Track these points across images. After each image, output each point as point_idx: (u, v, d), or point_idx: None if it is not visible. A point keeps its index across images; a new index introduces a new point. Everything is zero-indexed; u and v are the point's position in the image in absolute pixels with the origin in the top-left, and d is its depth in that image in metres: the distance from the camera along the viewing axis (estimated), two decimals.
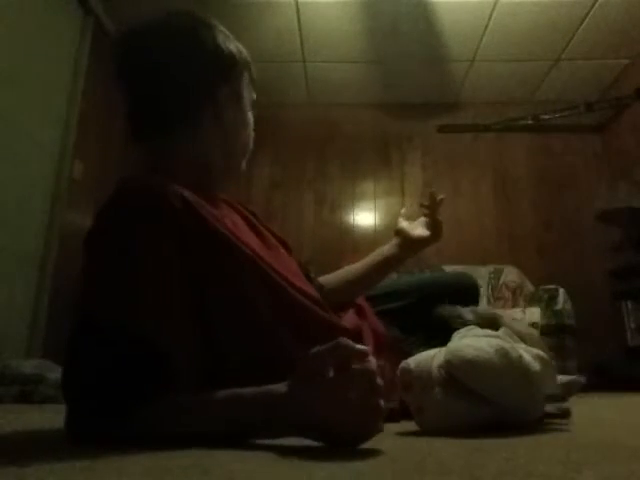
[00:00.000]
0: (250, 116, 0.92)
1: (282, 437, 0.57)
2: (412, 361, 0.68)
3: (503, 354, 0.63)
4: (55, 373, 1.70)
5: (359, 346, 0.53)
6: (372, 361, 0.53)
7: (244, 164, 0.92)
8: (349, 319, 0.96)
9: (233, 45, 0.87)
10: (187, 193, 0.71)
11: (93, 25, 2.75)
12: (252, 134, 0.93)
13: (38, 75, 2.35)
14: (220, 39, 0.85)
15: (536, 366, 0.65)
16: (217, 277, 0.71)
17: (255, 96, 0.94)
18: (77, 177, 2.59)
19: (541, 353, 0.68)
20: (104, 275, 0.66)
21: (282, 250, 0.95)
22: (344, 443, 0.51)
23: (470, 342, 0.66)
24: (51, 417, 0.65)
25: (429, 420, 0.65)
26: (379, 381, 0.52)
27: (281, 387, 0.56)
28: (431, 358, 0.67)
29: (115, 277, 0.65)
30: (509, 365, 0.63)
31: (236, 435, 0.57)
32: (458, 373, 0.63)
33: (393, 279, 1.23)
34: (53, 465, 0.46)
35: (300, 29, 2.97)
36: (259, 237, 0.92)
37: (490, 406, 0.62)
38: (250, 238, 0.86)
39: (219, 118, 0.85)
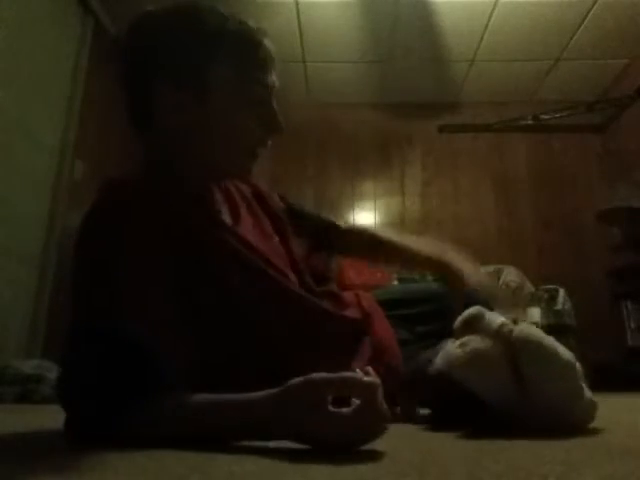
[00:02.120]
0: (246, 110, 0.80)
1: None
2: (486, 312, 0.66)
3: (573, 363, 0.61)
4: (55, 373, 1.70)
5: (367, 379, 0.50)
6: (379, 391, 0.50)
7: (249, 163, 0.83)
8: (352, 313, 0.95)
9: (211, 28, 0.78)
10: (166, 191, 0.75)
11: (93, 24, 2.75)
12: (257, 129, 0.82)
13: (38, 75, 2.35)
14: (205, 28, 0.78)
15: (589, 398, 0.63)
16: (200, 272, 0.72)
17: (271, 81, 0.85)
18: (78, 177, 2.59)
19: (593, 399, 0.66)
20: (90, 279, 0.67)
21: (276, 239, 0.92)
22: (334, 452, 0.49)
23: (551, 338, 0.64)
24: (51, 417, 0.65)
25: (463, 362, 0.61)
26: (386, 411, 0.50)
27: (265, 399, 0.53)
28: (503, 319, 0.64)
29: (100, 280, 0.66)
30: (574, 376, 0.61)
31: (215, 439, 0.56)
32: (527, 345, 0.60)
33: (403, 285, 1.21)
34: (53, 465, 0.46)
35: (300, 29, 2.97)
36: (255, 224, 0.91)
37: (525, 399, 0.59)
38: (246, 228, 0.86)
39: (162, 119, 0.78)
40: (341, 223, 1.10)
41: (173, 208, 0.74)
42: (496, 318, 0.64)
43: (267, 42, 0.85)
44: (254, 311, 0.75)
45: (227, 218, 0.83)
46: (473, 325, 0.64)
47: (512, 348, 0.60)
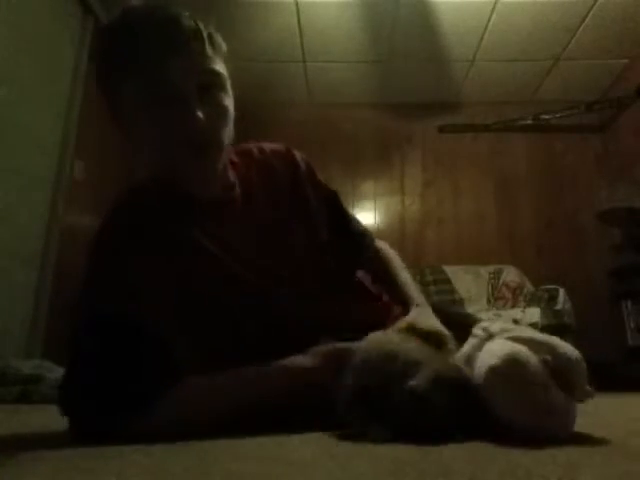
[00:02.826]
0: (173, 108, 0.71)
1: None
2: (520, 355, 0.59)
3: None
4: (55, 373, 1.70)
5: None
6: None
7: (206, 159, 0.75)
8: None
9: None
10: (157, 202, 0.78)
11: (93, 24, 2.75)
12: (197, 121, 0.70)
13: (38, 75, 2.35)
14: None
15: None
16: (183, 272, 0.74)
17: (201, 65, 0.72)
18: (78, 177, 2.60)
19: None
20: (101, 273, 0.72)
21: (294, 225, 0.87)
22: None
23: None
24: (51, 417, 0.65)
25: (558, 424, 0.57)
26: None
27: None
28: (527, 354, 0.59)
29: (109, 274, 0.71)
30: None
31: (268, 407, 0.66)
32: (574, 368, 0.58)
33: None
34: (52, 466, 0.46)
35: (300, 29, 2.97)
36: (275, 207, 0.87)
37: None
38: (257, 212, 0.84)
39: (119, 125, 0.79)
40: (375, 243, 1.04)
41: (163, 215, 0.77)
42: (526, 357, 0.58)
43: (172, 23, 0.71)
44: (226, 311, 0.75)
45: (237, 197, 0.84)
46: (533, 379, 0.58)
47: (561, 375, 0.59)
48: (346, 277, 0.93)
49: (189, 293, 0.73)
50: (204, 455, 0.50)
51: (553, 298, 2.55)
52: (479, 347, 0.64)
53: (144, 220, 0.75)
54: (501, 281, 3.03)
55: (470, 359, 0.63)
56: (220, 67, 0.76)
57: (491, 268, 3.12)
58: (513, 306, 2.83)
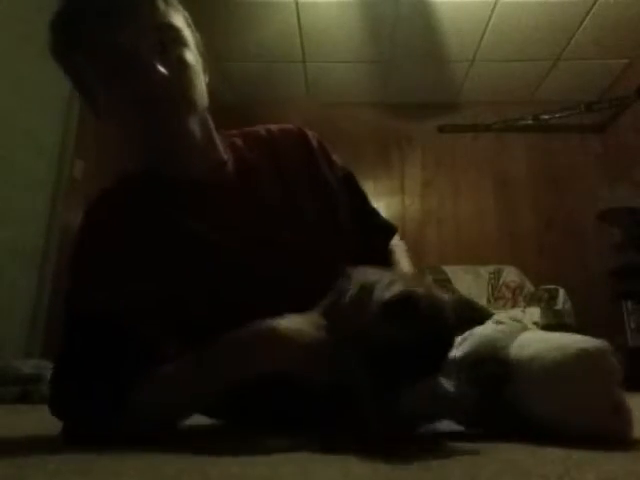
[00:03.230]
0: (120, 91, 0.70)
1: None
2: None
3: None
4: None
5: None
6: None
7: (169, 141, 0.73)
8: None
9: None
10: (141, 195, 0.76)
11: None
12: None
13: (38, 75, 2.35)
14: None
15: None
16: (171, 255, 0.72)
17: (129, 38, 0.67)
18: (77, 176, 2.59)
19: None
20: (85, 266, 0.72)
21: (301, 205, 0.82)
22: None
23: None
24: (51, 417, 0.65)
25: (623, 424, 0.57)
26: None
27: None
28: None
29: (90, 274, 0.70)
30: None
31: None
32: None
33: None
34: (51, 467, 0.46)
35: (300, 29, 2.97)
36: (278, 185, 0.83)
37: None
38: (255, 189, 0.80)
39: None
40: (393, 240, 1.01)
41: (144, 202, 0.75)
42: None
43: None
44: (217, 290, 0.71)
45: (228, 175, 0.80)
46: None
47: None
48: (356, 258, 0.90)
49: (176, 277, 0.70)
50: (202, 456, 0.50)
51: (553, 298, 2.55)
52: (511, 335, 0.63)
53: (124, 211, 0.73)
54: (501, 281, 3.02)
55: (498, 342, 0.62)
56: (178, 22, 0.72)
57: (491, 268, 3.12)
58: (513, 306, 2.83)
